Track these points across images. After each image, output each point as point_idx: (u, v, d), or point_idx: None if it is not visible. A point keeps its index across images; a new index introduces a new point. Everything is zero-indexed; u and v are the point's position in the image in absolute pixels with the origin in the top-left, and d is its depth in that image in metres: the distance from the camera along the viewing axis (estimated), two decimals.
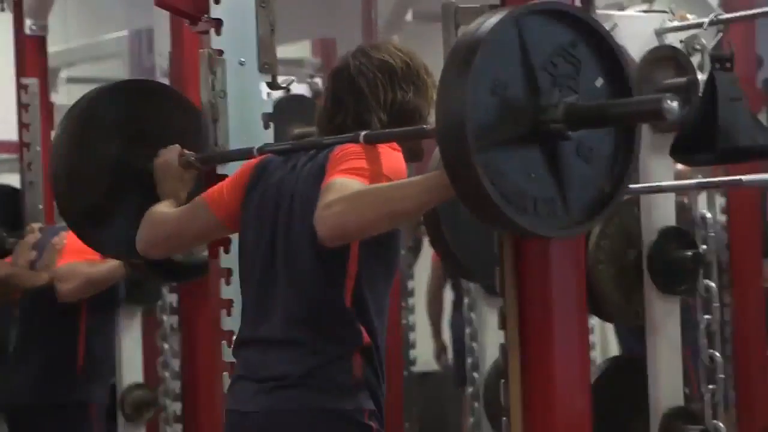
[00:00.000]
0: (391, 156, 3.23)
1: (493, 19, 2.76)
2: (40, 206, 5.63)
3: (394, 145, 3.26)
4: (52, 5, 5.72)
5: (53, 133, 3.97)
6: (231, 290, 3.77)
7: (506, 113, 2.78)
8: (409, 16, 6.05)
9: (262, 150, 3.49)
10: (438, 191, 2.97)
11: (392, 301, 6.03)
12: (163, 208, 3.67)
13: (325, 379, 3.24)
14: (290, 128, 5.31)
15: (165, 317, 5.56)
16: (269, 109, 3.74)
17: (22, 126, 5.69)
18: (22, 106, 5.67)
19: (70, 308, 5.09)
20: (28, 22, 5.67)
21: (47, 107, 5.74)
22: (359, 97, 3.38)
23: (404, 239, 6.20)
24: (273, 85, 3.79)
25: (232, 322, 3.76)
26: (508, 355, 3.06)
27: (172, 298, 5.51)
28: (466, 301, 5.97)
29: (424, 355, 7.08)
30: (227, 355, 3.74)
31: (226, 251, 3.74)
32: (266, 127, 3.72)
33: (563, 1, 2.90)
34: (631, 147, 2.93)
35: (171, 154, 3.76)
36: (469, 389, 5.93)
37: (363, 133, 3.23)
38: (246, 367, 3.37)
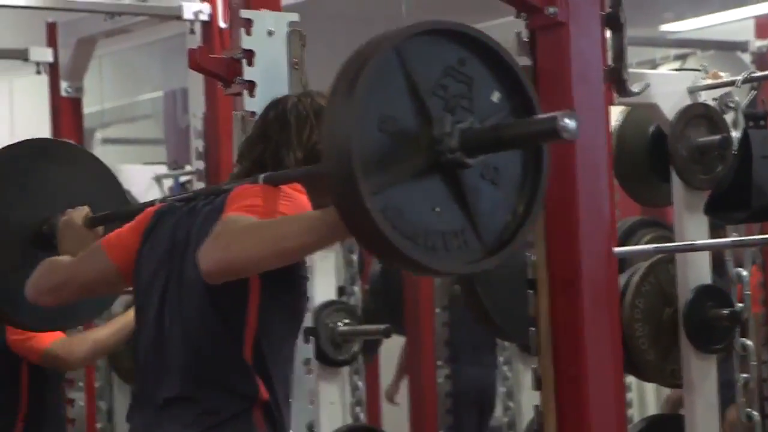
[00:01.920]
0: (292, 196, 3.06)
1: (371, 49, 2.57)
2: None
3: (298, 186, 3.11)
4: (87, 68, 5.76)
5: None
6: None
7: (399, 148, 2.56)
8: None
9: (164, 200, 3.36)
10: (333, 229, 2.75)
11: (427, 357, 6.05)
12: (60, 258, 3.55)
13: None
14: None
15: None
16: None
17: None
18: None
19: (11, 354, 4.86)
20: (63, 84, 5.70)
21: None
22: (284, 132, 3.23)
23: (439, 297, 6.19)
24: None
25: None
26: (544, 415, 3.05)
27: None
28: (501, 359, 5.96)
29: None
30: None
31: None
32: None
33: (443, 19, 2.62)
34: (540, 162, 2.69)
35: (77, 214, 3.70)
36: None
37: (262, 175, 3.08)
38: None
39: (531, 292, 3.06)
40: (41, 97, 5.88)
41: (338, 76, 2.57)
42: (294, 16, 3.77)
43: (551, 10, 2.99)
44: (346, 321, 4.93)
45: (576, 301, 3.01)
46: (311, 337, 3.88)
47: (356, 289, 5.43)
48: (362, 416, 5.38)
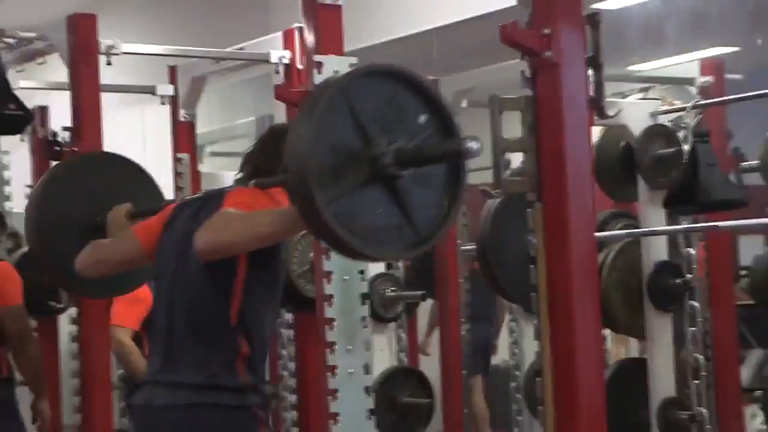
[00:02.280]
0: (274, 196, 3.08)
1: (322, 91, 2.58)
2: None
3: (281, 189, 3.09)
4: (199, 99, 5.77)
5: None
6: (332, 311, 3.78)
7: (346, 165, 2.57)
8: (464, 104, 6.05)
9: (183, 199, 3.37)
10: (297, 222, 2.75)
11: (453, 316, 6.04)
12: (102, 240, 3.57)
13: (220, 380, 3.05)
14: None
15: (283, 330, 5.56)
16: None
17: (178, 189, 5.72)
18: (177, 175, 5.69)
19: None
20: (181, 112, 5.71)
21: (196, 175, 5.77)
22: (274, 148, 3.21)
23: (462, 270, 6.17)
24: None
25: (333, 335, 3.77)
26: (542, 359, 3.04)
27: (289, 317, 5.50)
28: (509, 317, 5.94)
29: None
30: (330, 360, 3.74)
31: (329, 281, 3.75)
32: None
33: (377, 63, 2.66)
34: (460, 169, 2.69)
35: (121, 209, 3.75)
36: (513, 384, 5.89)
37: (252, 181, 3.12)
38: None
39: (532, 266, 3.05)
40: (165, 122, 5.88)
41: (299, 110, 2.60)
42: (353, 60, 3.77)
43: (548, 53, 2.97)
44: (393, 288, 4.93)
45: (566, 274, 2.99)
46: (367, 300, 3.88)
47: (400, 264, 5.42)
48: (405, 360, 5.38)
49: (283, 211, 2.86)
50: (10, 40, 4.78)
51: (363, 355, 3.84)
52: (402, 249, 2.67)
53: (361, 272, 3.85)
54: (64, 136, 4.49)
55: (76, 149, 4.42)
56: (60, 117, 4.67)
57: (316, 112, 2.54)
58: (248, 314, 3.07)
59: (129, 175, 4.08)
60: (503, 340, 7.74)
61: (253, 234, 2.89)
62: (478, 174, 5.85)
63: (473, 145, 2.54)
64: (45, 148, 4.46)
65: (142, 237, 3.33)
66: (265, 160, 3.24)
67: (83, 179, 3.95)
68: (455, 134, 2.68)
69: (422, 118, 2.67)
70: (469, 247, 5.68)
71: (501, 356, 7.91)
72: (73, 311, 4.76)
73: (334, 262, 3.73)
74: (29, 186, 5.25)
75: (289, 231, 2.92)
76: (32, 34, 4.74)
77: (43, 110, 4.97)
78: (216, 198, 3.14)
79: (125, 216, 3.72)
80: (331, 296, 3.77)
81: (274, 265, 3.12)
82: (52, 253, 3.89)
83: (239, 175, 3.31)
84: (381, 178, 2.60)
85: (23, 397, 5.02)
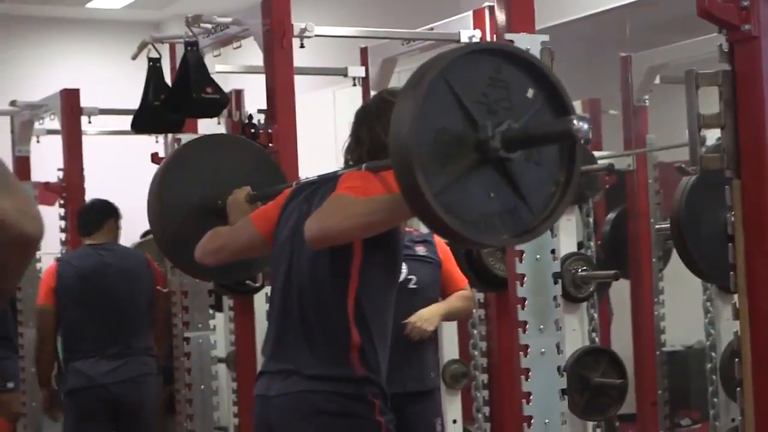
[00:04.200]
0: (386, 180, 2.90)
1: (425, 79, 2.46)
2: None
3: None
4: (390, 80, 5.82)
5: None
6: (524, 290, 3.77)
7: (453, 151, 2.46)
8: (657, 80, 5.94)
9: (299, 183, 3.31)
10: (406, 210, 2.63)
11: (646, 296, 5.95)
12: (220, 228, 3.52)
13: (334, 371, 2.98)
14: None
15: (474, 311, 5.56)
16: None
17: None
18: None
19: None
20: (373, 93, 5.76)
21: None
22: (374, 136, 3.09)
23: (655, 250, 6.06)
24: None
25: (525, 314, 3.76)
26: (741, 339, 2.97)
27: (479, 296, 5.51)
28: (704, 297, 5.81)
29: (671, 339, 6.91)
30: (522, 339, 3.74)
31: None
32: None
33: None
34: (574, 145, 2.59)
35: (240, 193, 3.70)
36: (708, 365, 5.77)
37: (363, 165, 3.00)
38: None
39: (730, 244, 2.97)
40: (356, 103, 5.96)
41: (398, 100, 2.49)
42: (545, 37, 3.74)
43: (746, 27, 2.89)
44: (584, 268, 4.87)
45: (765, 251, 2.91)
46: (558, 279, 3.86)
47: (591, 243, 5.37)
48: (597, 340, 5.32)
49: (392, 198, 2.76)
50: (207, 26, 4.90)
51: (555, 335, 3.83)
52: (521, 232, 2.57)
53: (553, 251, 3.84)
54: (259, 118, 4.58)
55: (270, 131, 4.50)
56: (255, 100, 4.77)
57: (417, 98, 2.44)
58: (365, 301, 2.99)
59: (249, 157, 4.09)
60: (699, 320, 7.61)
61: (361, 222, 2.83)
62: (672, 152, 5.77)
63: (583, 125, 2.43)
64: (241, 131, 4.56)
65: (259, 224, 3.29)
66: (373, 140, 3.13)
67: (203, 162, 3.96)
68: (566, 106, 2.58)
69: (530, 93, 2.57)
70: (663, 226, 5.58)
71: (696, 336, 7.76)
72: (268, 290, 4.86)
73: None
74: None
75: (397, 217, 2.86)
76: (228, 20, 4.84)
77: (239, 93, 5.08)
78: (330, 182, 3.09)
79: (245, 199, 3.70)
80: (523, 276, 3.77)
81: (392, 248, 3.04)
82: (173, 241, 3.87)
83: (349, 156, 3.21)
84: (490, 162, 2.51)
85: None
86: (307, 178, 3.33)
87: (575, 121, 2.43)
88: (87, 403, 5.44)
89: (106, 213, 5.69)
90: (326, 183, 3.13)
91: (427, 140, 2.45)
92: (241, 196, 3.71)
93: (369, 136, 3.12)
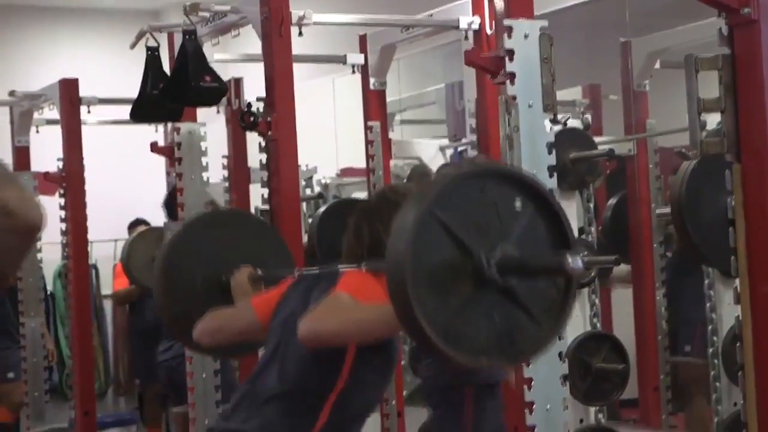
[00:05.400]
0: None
1: (410, 220, 2.38)
2: None
3: None
4: (389, 67, 5.82)
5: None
6: None
7: (451, 283, 2.39)
8: (657, 65, 5.92)
9: (300, 272, 3.34)
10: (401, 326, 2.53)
11: (648, 281, 5.95)
12: (221, 309, 3.51)
13: None
14: (566, 153, 5.24)
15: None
16: (551, 139, 3.71)
17: (369, 157, 5.80)
18: (368, 142, 5.78)
19: None
20: (372, 80, 5.78)
21: (386, 142, 5.83)
22: (374, 235, 3.11)
23: (656, 235, 6.06)
24: (554, 121, 3.76)
25: None
26: (743, 324, 2.97)
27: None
28: (706, 281, 5.81)
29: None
30: None
31: None
32: (549, 152, 3.68)
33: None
34: (569, 283, 2.51)
35: (242, 275, 3.71)
36: (710, 349, 5.76)
37: (364, 265, 3.00)
38: None
39: (731, 228, 2.97)
40: (355, 91, 5.96)
41: (390, 241, 2.42)
42: (544, 23, 3.72)
43: (746, 10, 2.90)
44: (585, 253, 4.87)
45: (766, 235, 2.92)
46: None
47: (592, 229, 5.37)
48: (598, 325, 5.32)
49: (390, 312, 2.58)
50: (205, 14, 4.89)
51: None
52: (534, 347, 2.49)
53: None
54: (258, 106, 4.58)
55: (269, 119, 4.50)
56: (254, 88, 4.77)
57: (409, 234, 2.37)
58: (349, 397, 2.98)
59: (255, 232, 4.10)
60: None
61: (356, 329, 2.84)
62: (673, 136, 5.76)
63: (576, 261, 2.41)
64: (240, 119, 4.56)
65: (259, 310, 3.31)
66: (374, 238, 3.13)
67: (208, 239, 3.98)
68: (554, 210, 2.51)
69: (518, 204, 2.51)
70: (664, 211, 5.58)
71: None
72: None
73: None
74: (225, 156, 5.38)
75: (394, 330, 2.84)
76: (226, 8, 4.84)
77: (238, 82, 5.07)
78: (330, 278, 3.10)
79: (248, 279, 3.72)
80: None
81: (388, 352, 3.03)
82: (179, 318, 3.87)
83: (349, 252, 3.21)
84: (488, 284, 2.43)
85: None
86: (308, 269, 3.38)
87: (571, 261, 2.41)
88: None
89: None
90: (325, 279, 3.14)
91: (425, 283, 2.38)
92: (243, 277, 3.74)
93: (369, 234, 3.14)
